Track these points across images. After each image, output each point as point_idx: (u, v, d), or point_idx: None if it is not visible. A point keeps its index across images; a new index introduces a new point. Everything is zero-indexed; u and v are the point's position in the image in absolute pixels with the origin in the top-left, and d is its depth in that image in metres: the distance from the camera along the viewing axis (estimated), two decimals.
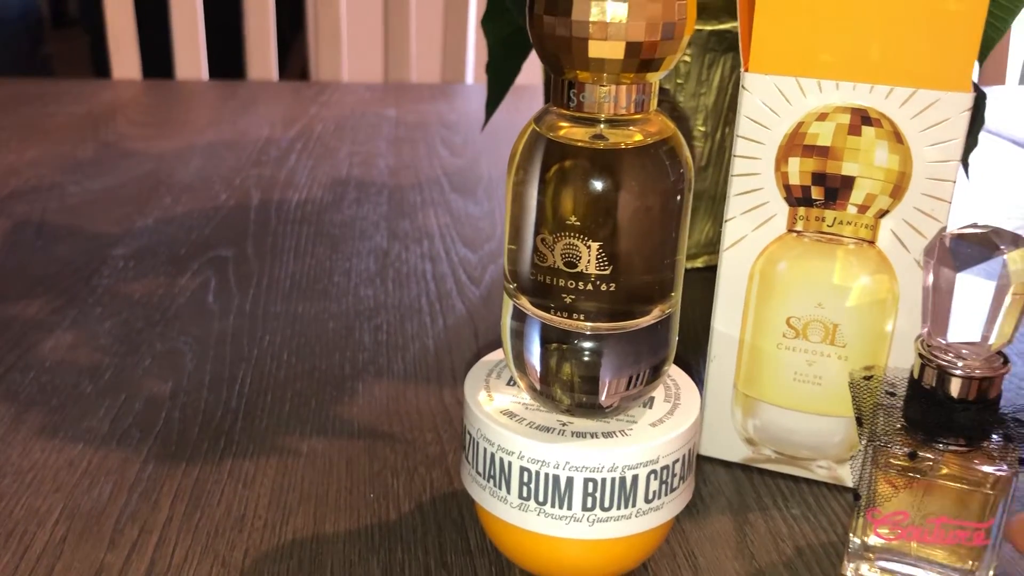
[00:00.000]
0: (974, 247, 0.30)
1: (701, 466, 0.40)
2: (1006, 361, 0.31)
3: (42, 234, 0.62)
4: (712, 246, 0.58)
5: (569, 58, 0.27)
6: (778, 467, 0.39)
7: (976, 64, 0.59)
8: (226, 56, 1.28)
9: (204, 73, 1.10)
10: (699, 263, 0.58)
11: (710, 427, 0.40)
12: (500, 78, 0.53)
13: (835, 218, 0.35)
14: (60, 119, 0.88)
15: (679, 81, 0.53)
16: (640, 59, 0.27)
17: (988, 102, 0.52)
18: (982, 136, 0.88)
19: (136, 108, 0.95)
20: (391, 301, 0.54)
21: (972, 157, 0.53)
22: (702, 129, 0.54)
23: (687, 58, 0.53)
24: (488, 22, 0.53)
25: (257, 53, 1.12)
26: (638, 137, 0.29)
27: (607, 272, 0.29)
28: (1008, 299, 0.29)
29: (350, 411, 0.43)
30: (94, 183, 0.72)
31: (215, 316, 0.51)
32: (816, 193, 0.35)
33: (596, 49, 0.26)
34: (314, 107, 0.95)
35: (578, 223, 0.28)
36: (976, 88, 0.52)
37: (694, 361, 0.45)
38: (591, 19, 0.26)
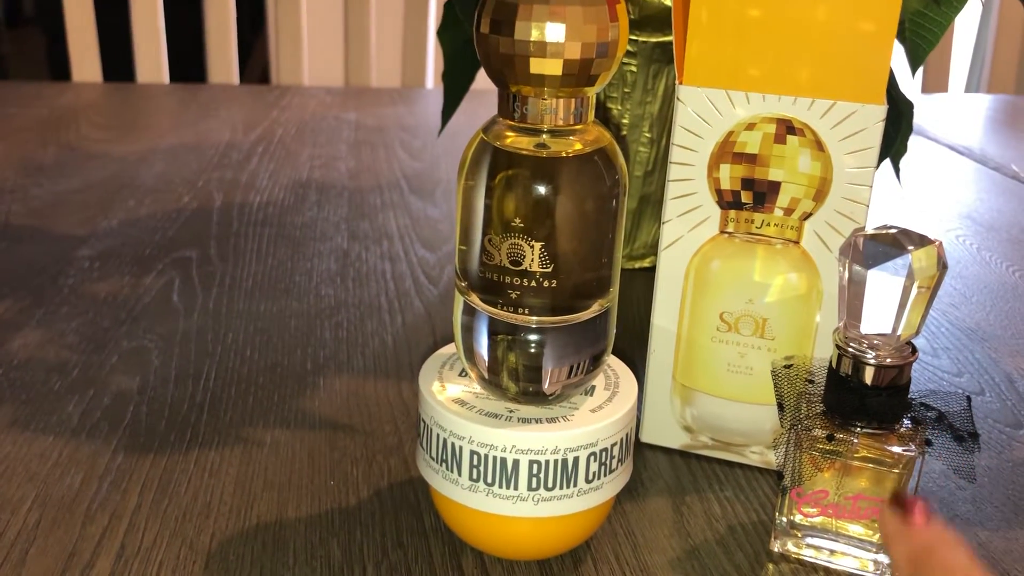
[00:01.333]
0: (884, 247, 0.32)
1: (642, 452, 0.42)
2: (914, 350, 0.34)
3: (6, 236, 0.63)
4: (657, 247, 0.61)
5: (512, 74, 0.29)
6: (714, 453, 0.42)
7: (912, 75, 0.62)
8: (187, 59, 1.28)
9: (165, 76, 1.11)
10: (646, 263, 0.61)
11: (650, 416, 0.42)
12: (455, 86, 0.55)
13: (763, 220, 0.38)
14: (20, 121, 0.89)
15: (626, 90, 0.56)
16: (577, 75, 0.29)
17: (930, 109, 0.56)
18: (921, 142, 0.92)
19: (97, 111, 0.96)
20: (351, 299, 0.56)
21: (908, 162, 0.57)
22: (648, 136, 0.57)
23: (633, 68, 0.55)
24: (443, 32, 0.55)
25: (218, 57, 1.13)
26: (577, 146, 0.31)
27: (549, 270, 0.31)
28: (913, 294, 0.32)
29: (312, 404, 0.45)
30: (57, 185, 0.73)
31: (180, 315, 0.53)
32: (745, 197, 0.38)
33: (537, 66, 0.29)
34: (275, 111, 0.96)
35: (522, 225, 0.31)
36: (903, 98, 0.55)
37: (640, 354, 0.48)
38: (531, 39, 0.29)
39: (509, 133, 0.31)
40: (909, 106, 0.56)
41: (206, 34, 1.13)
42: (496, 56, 0.29)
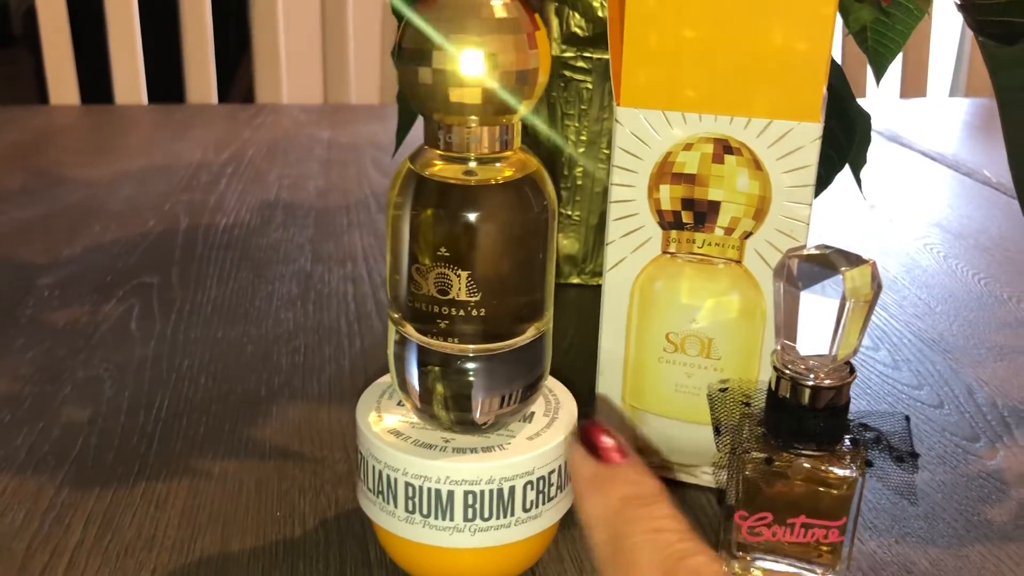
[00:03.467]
0: (817, 267, 0.32)
1: None
2: (852, 371, 0.34)
3: None
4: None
5: (433, 103, 0.29)
6: (665, 474, 0.42)
7: (877, 83, 0.62)
8: (166, 80, 1.28)
9: (143, 97, 1.11)
10: None
11: None
12: (409, 107, 0.55)
13: (704, 240, 0.38)
14: None
15: (583, 107, 0.56)
16: (498, 103, 0.29)
17: (906, 114, 0.55)
18: (894, 148, 0.92)
19: (70, 134, 0.96)
20: (310, 323, 0.56)
21: (878, 171, 0.56)
22: (606, 152, 0.57)
23: (589, 85, 0.55)
24: (396, 56, 0.55)
25: (196, 76, 1.13)
26: (506, 173, 0.31)
27: (477, 298, 0.31)
28: (848, 314, 0.32)
29: (263, 433, 0.45)
30: (23, 212, 0.73)
31: (136, 343, 0.53)
32: (686, 217, 0.38)
33: (456, 95, 0.29)
34: (248, 130, 0.96)
35: (448, 254, 0.30)
36: (858, 109, 0.55)
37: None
38: (448, 69, 0.28)
39: (437, 161, 0.31)
40: (866, 117, 0.55)
41: (184, 54, 1.13)
42: (416, 85, 0.29)
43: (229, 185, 0.80)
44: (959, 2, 0.48)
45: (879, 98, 1.21)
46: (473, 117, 0.30)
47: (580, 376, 0.50)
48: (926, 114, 1.10)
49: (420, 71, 0.29)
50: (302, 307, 0.58)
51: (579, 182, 0.58)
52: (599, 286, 0.61)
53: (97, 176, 0.81)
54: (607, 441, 0.27)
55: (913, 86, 1.23)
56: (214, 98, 1.14)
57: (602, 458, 0.26)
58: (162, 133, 0.96)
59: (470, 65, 0.28)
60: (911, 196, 0.81)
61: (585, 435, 0.27)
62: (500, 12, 0.29)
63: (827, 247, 0.33)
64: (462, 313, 0.31)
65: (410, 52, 0.29)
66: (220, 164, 0.85)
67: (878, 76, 0.66)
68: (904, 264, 0.66)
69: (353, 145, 0.92)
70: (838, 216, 0.75)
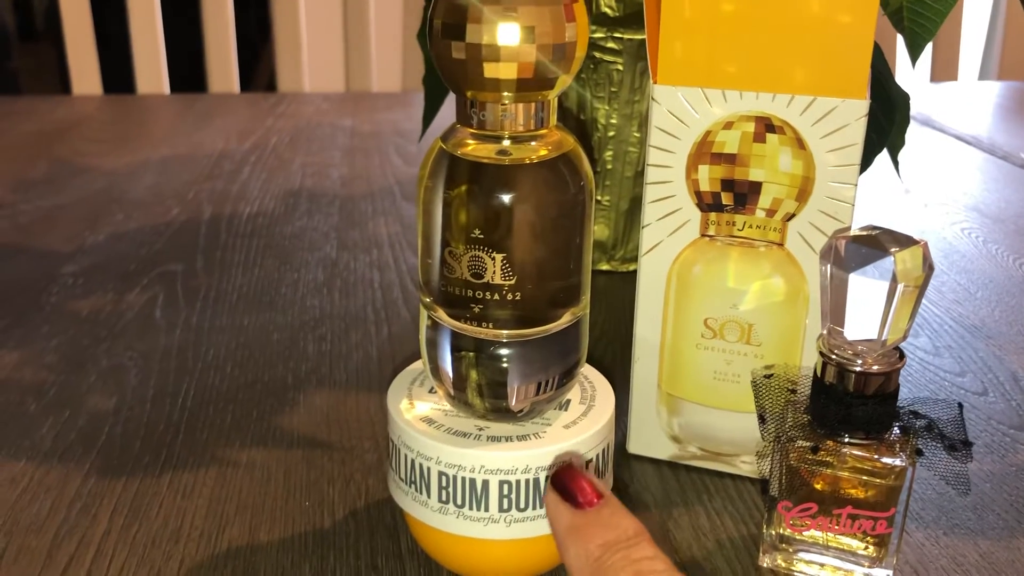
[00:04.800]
0: (866, 249, 0.31)
1: (629, 464, 0.41)
2: (902, 356, 0.32)
3: None
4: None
5: (467, 79, 0.28)
6: (703, 463, 0.41)
7: (912, 64, 0.61)
8: (189, 69, 1.28)
9: (165, 87, 1.11)
10: None
11: (637, 426, 0.41)
12: (436, 90, 0.54)
13: (745, 222, 0.37)
14: (14, 137, 0.89)
15: (613, 90, 0.55)
16: (534, 79, 0.28)
17: (939, 98, 0.54)
18: (928, 132, 0.90)
19: (92, 124, 0.95)
20: (337, 311, 0.55)
21: (913, 154, 0.55)
22: (637, 135, 0.56)
23: (619, 67, 0.54)
24: (423, 35, 0.54)
25: (218, 66, 1.13)
26: (542, 152, 0.30)
27: (512, 282, 0.30)
28: (898, 297, 0.31)
29: (290, 421, 0.44)
30: (46, 201, 0.72)
31: (161, 331, 0.52)
32: (726, 199, 0.37)
33: (491, 71, 0.28)
34: (271, 119, 0.96)
35: (482, 236, 0.29)
36: (898, 90, 0.54)
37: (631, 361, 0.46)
38: (484, 42, 0.27)
39: (469, 141, 0.30)
40: (905, 98, 0.54)
41: (205, 43, 1.12)
42: (449, 61, 0.28)
43: (252, 173, 0.79)
44: None
45: (910, 82, 1.19)
46: (507, 94, 0.29)
47: (612, 364, 0.49)
48: (958, 97, 1.07)
49: (453, 45, 0.28)
50: (328, 294, 0.57)
51: (609, 166, 0.57)
52: (629, 273, 0.60)
53: (119, 165, 0.81)
54: (581, 484, 0.26)
55: (944, 69, 1.21)
56: (236, 87, 1.14)
57: (578, 502, 0.26)
58: (184, 122, 0.96)
59: (505, 38, 0.27)
60: (946, 180, 0.79)
61: (558, 480, 0.26)
62: None
63: (875, 228, 0.32)
64: (497, 297, 0.30)
65: (443, 26, 0.28)
66: (243, 153, 0.84)
67: (914, 57, 0.64)
68: (942, 249, 0.65)
69: (376, 133, 0.91)
70: (872, 202, 0.73)
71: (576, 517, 0.26)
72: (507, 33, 0.27)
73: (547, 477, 0.27)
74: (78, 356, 0.50)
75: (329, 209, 0.71)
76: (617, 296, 0.56)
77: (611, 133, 0.56)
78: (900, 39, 0.60)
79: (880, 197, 0.74)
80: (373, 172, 0.80)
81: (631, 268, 0.60)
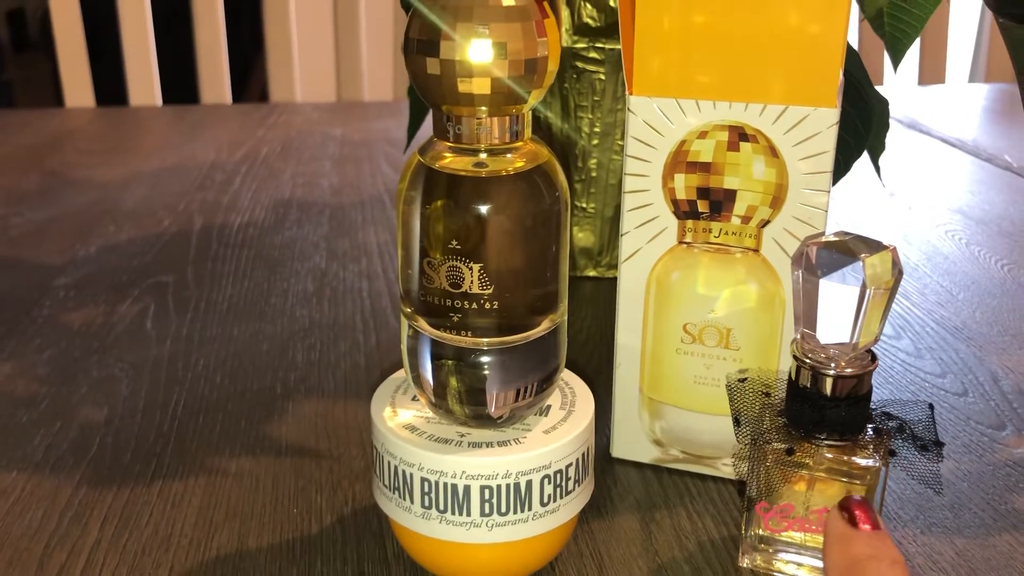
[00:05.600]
0: (836, 254, 0.32)
1: (612, 468, 0.42)
2: (874, 358, 0.33)
3: None
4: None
5: (441, 94, 0.29)
6: (686, 466, 0.41)
7: (895, 68, 0.62)
8: (180, 81, 1.29)
9: (158, 98, 1.12)
10: None
11: (620, 430, 0.41)
12: (420, 102, 0.55)
13: (721, 229, 0.37)
14: (5, 150, 0.89)
15: (596, 99, 0.55)
16: (507, 93, 0.29)
17: (925, 101, 0.54)
18: (913, 135, 0.91)
19: (84, 136, 0.96)
20: (326, 320, 0.56)
21: (898, 157, 0.56)
22: (620, 144, 0.57)
23: (602, 76, 0.55)
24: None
25: (210, 77, 1.14)
26: (516, 164, 0.31)
27: (490, 291, 0.30)
28: (868, 301, 0.31)
29: (279, 430, 0.45)
30: (38, 214, 0.73)
31: (152, 342, 0.53)
32: (702, 206, 0.37)
33: (465, 86, 0.28)
34: (261, 129, 0.96)
35: (459, 246, 0.30)
36: (876, 95, 0.55)
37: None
38: (457, 59, 0.28)
39: (447, 154, 0.31)
40: (883, 103, 0.55)
41: (197, 54, 1.13)
42: (424, 77, 0.29)
43: (243, 184, 0.80)
44: None
45: (897, 85, 1.20)
46: (482, 108, 0.29)
47: (596, 368, 0.49)
48: (945, 100, 1.08)
49: (428, 62, 0.28)
50: (317, 304, 0.58)
51: (593, 174, 0.57)
52: (615, 279, 0.61)
53: (111, 177, 0.81)
54: (864, 509, 0.30)
55: (931, 72, 1.21)
56: (228, 98, 1.14)
57: (855, 521, 0.30)
58: (176, 134, 0.97)
59: (478, 55, 0.28)
60: (931, 183, 0.80)
61: (845, 502, 0.30)
62: (509, 0, 0.28)
63: (846, 234, 0.33)
64: (475, 306, 0.31)
65: (418, 43, 0.29)
66: (234, 163, 0.85)
67: (895, 62, 0.65)
68: (925, 251, 0.66)
69: (366, 142, 0.92)
70: (857, 204, 0.74)
71: (850, 530, 0.29)
72: (480, 50, 0.28)
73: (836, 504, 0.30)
74: (70, 368, 0.50)
75: (319, 219, 0.72)
76: (603, 302, 0.57)
77: (595, 141, 0.57)
78: (880, 44, 0.61)
79: (865, 201, 0.75)
80: (363, 181, 0.81)
81: (615, 274, 0.60)
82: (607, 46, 0.54)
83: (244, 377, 0.49)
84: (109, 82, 1.19)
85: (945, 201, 0.75)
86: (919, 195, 0.77)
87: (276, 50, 1.15)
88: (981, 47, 1.32)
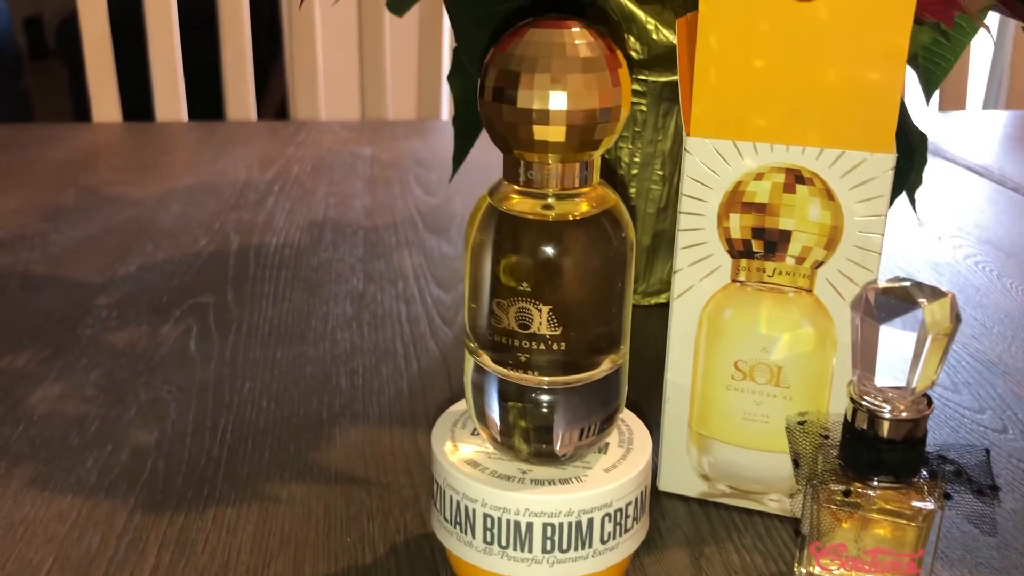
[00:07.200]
0: (895, 300, 0.32)
1: (660, 501, 0.42)
2: (930, 403, 0.33)
3: (26, 285, 0.64)
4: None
5: (516, 140, 0.30)
6: (732, 501, 0.42)
7: (927, 101, 0.62)
8: (205, 96, 1.30)
9: (184, 114, 1.13)
10: (661, 299, 0.61)
11: (667, 464, 0.42)
12: (466, 131, 0.55)
13: (775, 269, 0.38)
14: (41, 165, 0.90)
15: (636, 129, 0.56)
16: (580, 141, 0.29)
17: (947, 128, 0.55)
18: (938, 163, 0.91)
19: (116, 152, 0.97)
20: (367, 345, 0.56)
21: (925, 185, 0.56)
22: (660, 173, 0.57)
23: (643, 108, 0.55)
24: (454, 78, 0.55)
25: (235, 93, 1.15)
26: (583, 208, 0.31)
27: (558, 332, 0.31)
28: (927, 347, 0.32)
29: (327, 456, 0.45)
30: (76, 231, 0.74)
31: (197, 364, 0.53)
32: (756, 246, 0.38)
33: (540, 133, 0.29)
34: (291, 147, 0.97)
35: (529, 289, 0.31)
36: (916, 131, 0.55)
37: (656, 392, 0.47)
38: (534, 107, 0.29)
39: (515, 196, 0.31)
40: (922, 139, 0.55)
41: (223, 70, 1.14)
42: (500, 123, 0.30)
43: (277, 204, 0.80)
44: None
45: (918, 110, 1.20)
46: (554, 155, 0.30)
47: (639, 396, 0.50)
48: (967, 127, 1.09)
49: (504, 109, 0.29)
50: (357, 328, 0.58)
51: (633, 202, 0.58)
52: (652, 306, 0.62)
53: (145, 194, 0.82)
54: None
55: (952, 99, 1.22)
56: (253, 114, 1.15)
57: None
58: (205, 151, 0.98)
59: (554, 105, 0.29)
60: (958, 212, 0.80)
61: None
62: (584, 51, 0.29)
63: (905, 279, 0.33)
64: (542, 347, 0.31)
65: (494, 90, 0.29)
66: (266, 182, 0.86)
67: (928, 94, 0.66)
68: (956, 283, 0.66)
69: (396, 162, 0.93)
70: (887, 234, 0.74)
71: None
72: (556, 100, 0.29)
73: None
74: (117, 389, 0.51)
75: (354, 240, 0.73)
76: (640, 328, 0.57)
77: (634, 171, 0.57)
78: (911, 74, 0.61)
79: (894, 229, 0.75)
80: (395, 202, 0.81)
81: (653, 301, 0.61)
82: (649, 78, 0.55)
83: (290, 402, 0.50)
84: (135, 97, 1.20)
85: (974, 231, 0.76)
86: (947, 224, 0.77)
87: (301, 67, 1.16)
88: (996, 75, 1.33)
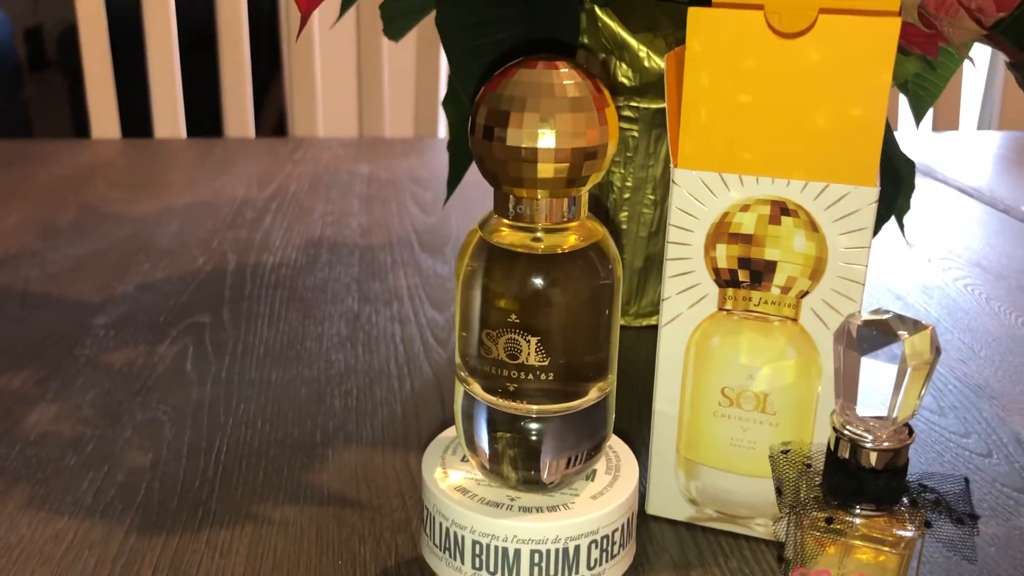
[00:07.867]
0: (877, 332, 0.33)
1: (648, 525, 0.43)
2: (911, 432, 0.34)
3: (25, 303, 0.65)
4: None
5: (505, 177, 0.30)
6: (720, 525, 0.42)
7: (916, 125, 0.63)
8: (203, 113, 1.31)
9: (182, 131, 1.13)
10: (652, 321, 0.62)
11: (656, 488, 0.43)
12: (460, 156, 0.56)
13: (760, 298, 0.39)
14: (39, 182, 0.91)
15: (628, 155, 0.57)
16: (568, 178, 0.30)
17: (940, 148, 0.56)
18: (929, 184, 0.92)
19: (115, 169, 0.98)
20: (361, 365, 0.57)
21: (914, 206, 0.57)
22: (651, 197, 0.58)
23: (635, 134, 0.56)
24: (449, 103, 0.56)
25: (234, 110, 1.16)
26: (571, 241, 0.32)
27: (546, 362, 0.32)
28: (907, 378, 0.33)
29: (320, 478, 0.46)
30: (75, 249, 0.74)
31: (193, 384, 0.54)
32: (742, 276, 0.39)
33: (529, 171, 0.30)
34: (289, 165, 0.98)
35: (518, 320, 0.31)
36: (902, 157, 0.56)
37: (645, 414, 0.48)
38: (523, 145, 0.29)
39: (504, 229, 0.32)
40: (910, 166, 0.56)
41: (222, 88, 1.15)
42: (490, 160, 0.30)
43: (274, 222, 0.81)
44: (1010, 61, 0.49)
45: (910, 131, 1.21)
46: (543, 191, 0.31)
47: (628, 418, 0.50)
48: (960, 148, 1.10)
49: (494, 146, 0.30)
50: (352, 348, 0.59)
51: (624, 227, 0.59)
52: (643, 328, 0.62)
53: (144, 212, 0.83)
54: None
55: (946, 119, 1.23)
56: (251, 132, 1.16)
57: None
58: (204, 168, 0.98)
59: (543, 144, 0.29)
60: (948, 234, 0.81)
61: None
62: (572, 91, 0.30)
63: (886, 311, 0.34)
64: (531, 376, 0.32)
65: (484, 128, 0.30)
66: (264, 200, 0.87)
67: (918, 119, 0.67)
68: (945, 306, 0.67)
69: (392, 180, 0.94)
70: (877, 256, 0.75)
71: None
72: (545, 139, 0.29)
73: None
74: (113, 409, 0.51)
75: (350, 259, 0.73)
76: (632, 349, 0.58)
77: (626, 195, 0.58)
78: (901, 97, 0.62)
79: (883, 251, 0.76)
80: (391, 221, 0.82)
81: (644, 323, 0.62)
82: (640, 105, 0.56)
83: (284, 423, 0.50)
84: (133, 113, 1.21)
85: (963, 253, 0.77)
86: (937, 246, 0.78)
87: (298, 84, 1.17)
88: (989, 96, 1.34)
